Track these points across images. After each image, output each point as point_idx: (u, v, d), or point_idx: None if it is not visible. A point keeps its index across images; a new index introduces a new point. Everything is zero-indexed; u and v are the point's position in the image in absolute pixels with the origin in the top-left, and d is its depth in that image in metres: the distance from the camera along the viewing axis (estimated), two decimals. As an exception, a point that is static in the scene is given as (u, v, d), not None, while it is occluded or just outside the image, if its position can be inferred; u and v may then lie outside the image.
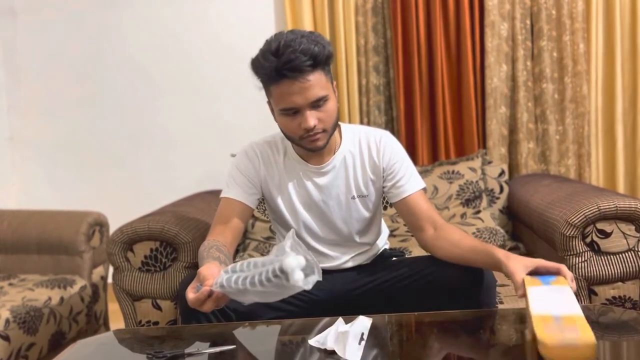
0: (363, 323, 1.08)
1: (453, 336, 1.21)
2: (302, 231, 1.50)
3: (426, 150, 2.51)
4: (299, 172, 1.48)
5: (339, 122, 1.48)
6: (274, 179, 1.49)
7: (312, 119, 1.32)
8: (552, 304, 0.98)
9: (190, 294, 1.09)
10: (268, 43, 1.30)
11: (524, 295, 1.07)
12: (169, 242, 1.65)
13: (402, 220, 1.71)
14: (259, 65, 1.31)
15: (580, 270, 1.54)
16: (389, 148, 1.49)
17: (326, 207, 1.48)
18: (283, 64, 1.26)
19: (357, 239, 1.52)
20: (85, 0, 2.80)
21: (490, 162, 2.33)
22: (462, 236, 1.36)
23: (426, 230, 1.41)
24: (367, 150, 1.50)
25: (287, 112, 1.34)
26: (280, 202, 1.50)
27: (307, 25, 2.48)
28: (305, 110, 1.32)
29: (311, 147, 1.38)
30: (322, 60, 1.30)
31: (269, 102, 1.41)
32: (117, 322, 2.17)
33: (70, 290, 2.06)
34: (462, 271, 1.33)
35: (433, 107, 2.52)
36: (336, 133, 1.47)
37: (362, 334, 1.04)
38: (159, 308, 1.66)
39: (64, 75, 2.85)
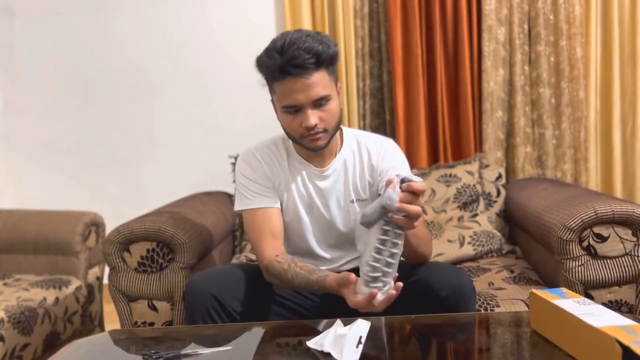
0: (361, 326, 1.08)
1: (451, 339, 1.21)
2: (303, 233, 1.50)
3: (424, 153, 2.50)
4: (303, 174, 1.48)
5: (341, 126, 1.48)
6: (279, 180, 1.49)
7: (313, 117, 1.32)
8: (599, 316, 0.95)
9: (358, 297, 1.15)
10: (274, 41, 1.31)
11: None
12: (165, 242, 1.64)
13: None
14: (263, 62, 1.33)
15: (576, 274, 1.54)
16: (389, 154, 1.50)
17: (327, 210, 1.48)
18: (286, 61, 1.27)
19: None
20: (82, 1, 2.79)
21: (487, 166, 2.33)
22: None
23: None
24: (367, 154, 1.50)
25: (289, 110, 1.34)
26: (283, 204, 1.49)
27: (307, 29, 2.48)
28: (307, 109, 1.32)
29: (311, 146, 1.38)
30: (326, 59, 1.31)
31: (272, 100, 1.41)
32: (112, 323, 2.16)
33: (65, 291, 2.05)
34: (443, 278, 1.31)
35: (431, 111, 2.52)
36: (338, 136, 1.47)
37: (360, 337, 1.03)
38: (154, 309, 1.65)
39: (60, 76, 2.84)
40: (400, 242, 1.12)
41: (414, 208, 1.09)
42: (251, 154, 1.50)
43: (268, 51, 1.31)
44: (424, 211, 2.12)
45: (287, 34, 1.31)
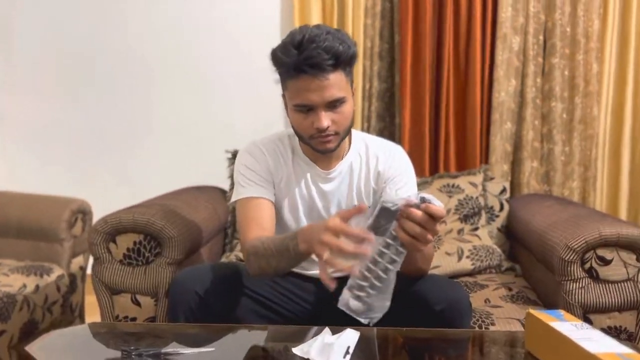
0: (350, 336, 1.08)
1: (443, 355, 1.21)
2: None
3: (427, 161, 2.50)
4: (307, 174, 1.48)
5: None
6: (282, 178, 1.48)
7: (325, 119, 1.31)
8: (597, 342, 0.95)
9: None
10: (292, 35, 1.29)
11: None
12: (153, 235, 1.63)
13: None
14: (278, 57, 1.30)
15: (576, 297, 1.53)
16: (397, 162, 1.49)
17: (327, 214, 1.48)
18: (304, 59, 1.25)
19: None
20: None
21: (492, 179, 2.33)
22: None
23: None
24: (375, 160, 1.49)
25: (301, 109, 1.33)
26: (283, 203, 1.49)
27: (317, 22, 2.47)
28: (320, 110, 1.31)
29: (321, 148, 1.37)
30: (344, 60, 1.29)
31: (283, 96, 1.40)
32: (93, 315, 2.15)
33: (46, 279, 2.05)
34: (440, 291, 1.31)
35: (437, 117, 2.52)
36: (346, 138, 1.46)
37: (348, 347, 1.03)
38: (137, 304, 1.65)
39: (58, 58, 2.84)
40: (399, 259, 1.10)
41: (422, 234, 1.06)
42: (256, 146, 1.49)
43: (285, 46, 1.28)
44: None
45: (306, 28, 1.29)
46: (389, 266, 1.09)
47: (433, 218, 1.06)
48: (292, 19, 2.58)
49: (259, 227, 1.39)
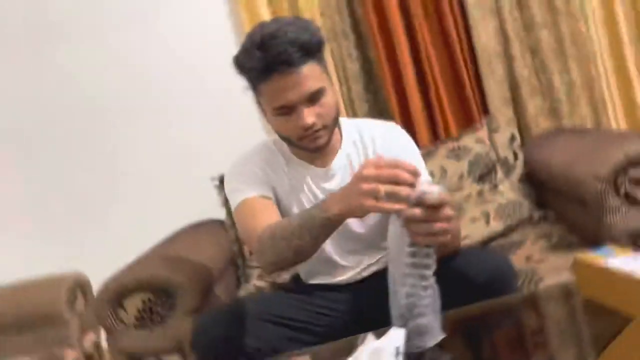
0: (396, 335, 1.09)
1: (500, 326, 1.26)
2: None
3: (424, 130, 2.57)
4: (307, 178, 1.53)
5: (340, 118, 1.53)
6: (283, 188, 1.53)
7: (309, 116, 1.37)
8: None
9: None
10: (250, 36, 1.34)
11: None
12: (161, 289, 1.69)
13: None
14: (242, 63, 1.36)
15: (620, 227, 1.59)
16: (395, 141, 1.56)
17: None
18: (270, 58, 1.30)
19: (381, 242, 1.54)
20: (16, 38, 2.77)
21: (497, 129, 2.41)
22: None
23: None
24: (372, 145, 1.55)
25: (281, 112, 1.38)
26: (292, 213, 1.52)
27: (266, 18, 2.52)
28: (301, 107, 1.36)
29: (312, 146, 1.43)
30: (313, 48, 1.34)
31: (258, 103, 1.46)
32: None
33: (62, 367, 2.07)
34: (478, 264, 1.35)
35: (422, 81, 2.58)
36: (336, 129, 1.52)
37: (397, 348, 1.05)
38: (166, 365, 1.69)
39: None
40: (431, 260, 1.09)
41: (433, 229, 1.04)
42: (245, 161, 1.54)
43: (246, 50, 1.33)
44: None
45: (263, 25, 1.35)
46: (425, 272, 1.09)
47: (435, 208, 1.04)
48: (242, 23, 2.61)
49: (269, 221, 1.39)
